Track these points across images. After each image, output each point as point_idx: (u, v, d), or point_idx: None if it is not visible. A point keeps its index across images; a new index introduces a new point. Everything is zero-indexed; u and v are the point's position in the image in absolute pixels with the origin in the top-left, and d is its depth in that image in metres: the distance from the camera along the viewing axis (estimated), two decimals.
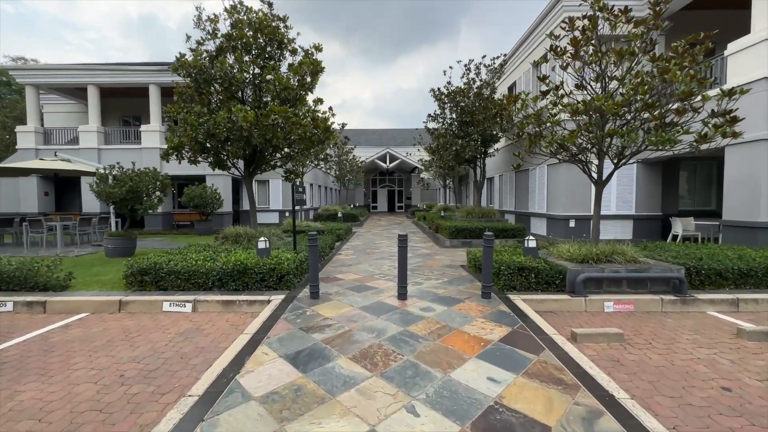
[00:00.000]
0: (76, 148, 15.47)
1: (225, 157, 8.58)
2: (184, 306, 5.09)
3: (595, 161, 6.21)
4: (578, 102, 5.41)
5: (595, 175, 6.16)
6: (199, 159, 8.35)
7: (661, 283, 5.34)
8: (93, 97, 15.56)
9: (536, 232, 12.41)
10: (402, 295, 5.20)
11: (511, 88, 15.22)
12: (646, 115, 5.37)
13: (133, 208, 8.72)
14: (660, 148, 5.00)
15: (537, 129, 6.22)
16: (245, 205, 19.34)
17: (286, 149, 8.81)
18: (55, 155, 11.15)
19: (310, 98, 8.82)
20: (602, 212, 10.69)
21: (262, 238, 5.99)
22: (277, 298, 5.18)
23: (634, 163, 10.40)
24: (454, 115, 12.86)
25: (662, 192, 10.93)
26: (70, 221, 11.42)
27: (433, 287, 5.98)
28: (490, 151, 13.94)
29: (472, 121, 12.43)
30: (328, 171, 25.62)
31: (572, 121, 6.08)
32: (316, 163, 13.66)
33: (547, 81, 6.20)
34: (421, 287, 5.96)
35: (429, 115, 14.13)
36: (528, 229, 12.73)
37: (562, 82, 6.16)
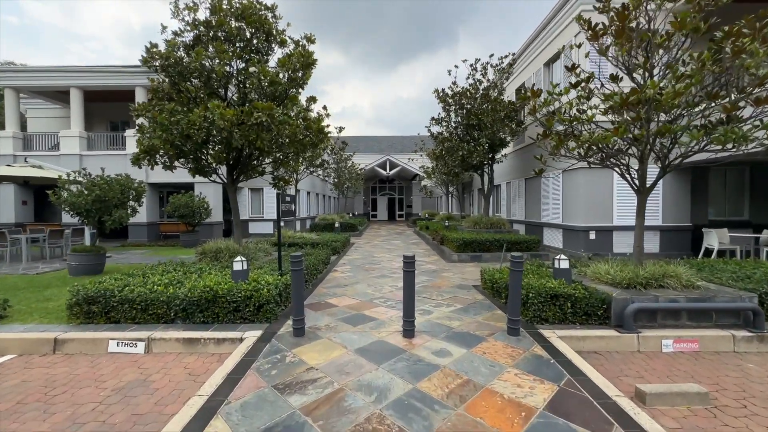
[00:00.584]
0: (56, 155, 14.52)
1: (206, 162, 7.62)
2: (135, 346, 4.05)
3: (636, 165, 5.24)
4: (617, 94, 4.44)
5: (637, 182, 5.19)
6: (177, 164, 7.37)
7: (729, 315, 4.31)
8: (75, 100, 14.66)
9: (550, 244, 11.40)
10: (408, 331, 4.16)
11: (519, 90, 14.35)
12: (700, 108, 4.42)
13: (101, 220, 7.71)
14: (727, 147, 4.02)
15: (566, 126, 5.26)
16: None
17: (275, 153, 7.86)
18: (25, 161, 10.18)
19: (303, 97, 7.91)
20: (623, 223, 9.70)
21: (238, 259, 4.97)
22: (251, 336, 4.14)
23: (688, 167, 9.38)
24: (459, 118, 11.93)
25: (691, 200, 9.94)
26: (40, 233, 10.40)
27: (445, 317, 4.94)
28: (498, 156, 12.99)
29: (479, 124, 11.50)
30: (326, 178, 24.70)
31: (606, 118, 5.14)
32: (312, 169, 12.70)
33: (577, 71, 5.25)
34: (430, 318, 4.92)
35: (432, 119, 13.22)
36: (541, 241, 11.70)
37: (592, 73, 5.22)
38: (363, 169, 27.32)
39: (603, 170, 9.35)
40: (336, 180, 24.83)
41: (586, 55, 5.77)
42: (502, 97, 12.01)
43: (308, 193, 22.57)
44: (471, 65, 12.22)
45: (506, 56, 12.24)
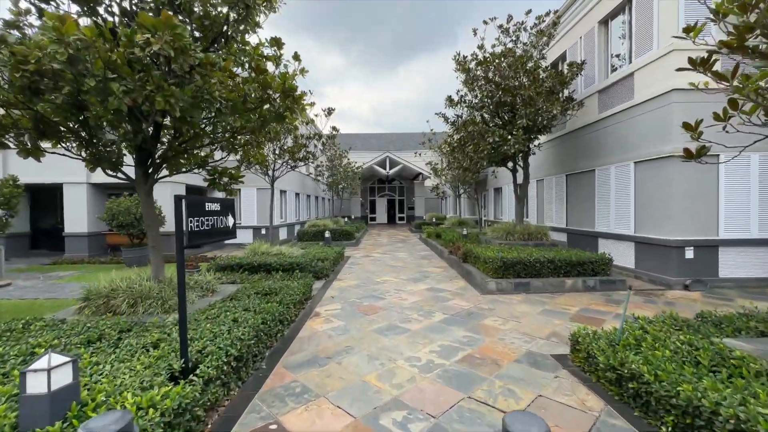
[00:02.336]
0: None
1: (104, 148, 4.62)
2: None
3: None
4: None
5: None
6: (43, 147, 4.35)
7: None
8: None
9: (616, 263, 8.42)
10: None
11: (556, 64, 11.41)
12: None
13: None
14: None
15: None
16: None
17: (217, 130, 4.87)
18: None
19: (257, 39, 4.89)
20: (734, 235, 6.78)
21: (39, 363, 1.97)
22: None
23: None
24: (486, 95, 8.94)
25: None
26: None
27: None
28: (533, 146, 10.06)
29: (512, 102, 8.54)
30: (318, 177, 21.70)
31: None
32: (293, 164, 9.73)
33: None
34: None
35: (448, 99, 10.25)
36: (596, 251, 8.75)
37: None
38: (360, 167, 24.36)
39: (700, 160, 6.46)
40: (330, 179, 21.82)
41: None
42: (544, 65, 9.06)
43: (297, 194, 19.55)
44: (501, 27, 9.27)
45: (547, 13, 9.31)
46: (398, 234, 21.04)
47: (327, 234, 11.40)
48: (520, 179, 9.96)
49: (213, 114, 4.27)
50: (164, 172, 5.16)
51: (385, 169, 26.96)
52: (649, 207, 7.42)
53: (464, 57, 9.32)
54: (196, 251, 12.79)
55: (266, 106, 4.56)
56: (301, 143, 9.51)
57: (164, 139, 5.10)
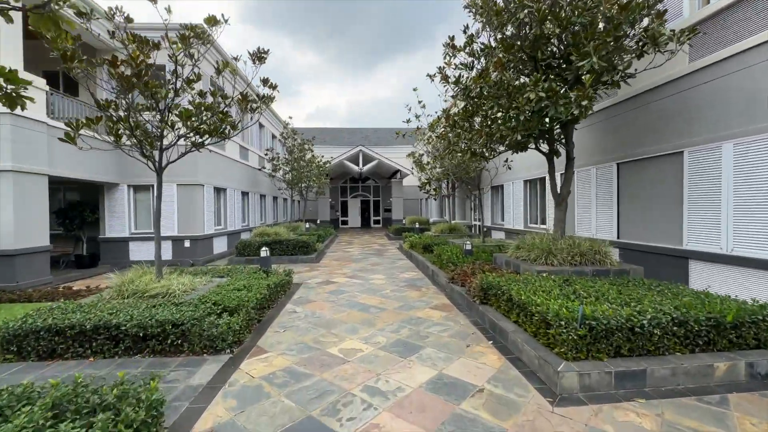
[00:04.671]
0: None
1: None
2: None
3: None
4: None
5: None
6: None
7: None
8: None
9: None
10: None
11: None
12: None
13: None
14: None
15: None
16: (109, 227, 10.94)
17: None
18: None
19: None
20: None
21: None
22: None
23: None
24: (524, 19, 5.32)
25: None
26: None
27: None
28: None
29: (575, 40, 5.06)
30: (274, 174, 17.61)
31: None
32: (195, 137, 5.82)
33: None
34: None
35: (448, 44, 6.60)
36: (685, 281, 5.43)
37: None
38: (328, 162, 20.45)
39: None
40: (288, 175, 17.78)
41: None
42: None
43: (245, 194, 15.38)
44: None
45: None
46: (373, 242, 17.28)
47: (264, 251, 7.44)
48: (559, 168, 6.49)
49: None
50: None
51: (358, 165, 23.18)
52: None
53: None
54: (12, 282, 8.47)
55: None
56: (206, 104, 5.58)
57: None
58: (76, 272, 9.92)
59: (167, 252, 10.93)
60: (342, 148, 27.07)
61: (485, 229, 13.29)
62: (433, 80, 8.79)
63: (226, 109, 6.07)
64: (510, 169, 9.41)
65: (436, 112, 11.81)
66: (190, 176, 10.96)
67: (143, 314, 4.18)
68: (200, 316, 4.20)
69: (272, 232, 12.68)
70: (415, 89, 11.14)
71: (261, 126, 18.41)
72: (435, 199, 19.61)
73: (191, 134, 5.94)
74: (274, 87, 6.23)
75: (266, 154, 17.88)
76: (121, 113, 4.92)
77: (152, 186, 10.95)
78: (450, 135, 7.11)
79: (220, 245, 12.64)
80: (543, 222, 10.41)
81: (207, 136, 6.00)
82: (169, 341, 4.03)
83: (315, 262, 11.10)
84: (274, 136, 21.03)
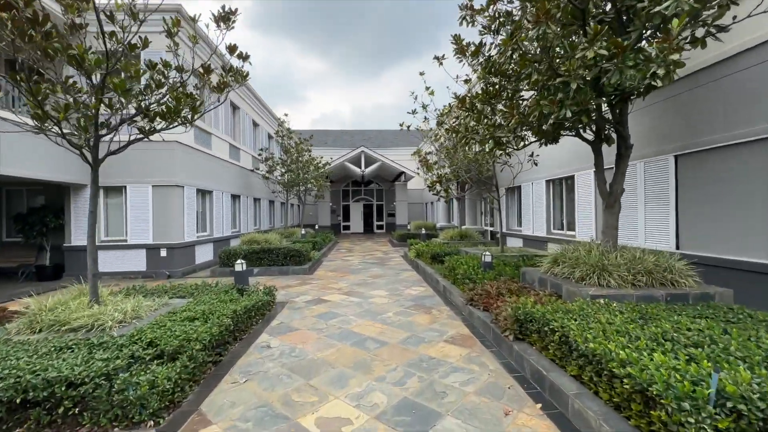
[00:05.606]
0: None
1: None
2: None
3: None
4: None
5: None
6: None
7: None
8: None
9: None
10: None
11: None
12: None
13: None
14: None
15: None
16: (76, 234, 9.65)
17: None
18: None
19: None
20: None
21: None
22: None
23: None
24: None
25: None
26: None
27: None
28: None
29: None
30: (269, 175, 16.33)
31: None
32: (146, 122, 4.49)
33: None
34: None
35: (465, 8, 5.28)
36: None
37: None
38: (328, 163, 19.19)
39: None
40: (282, 177, 16.52)
41: None
42: None
43: (235, 197, 14.11)
44: None
45: None
46: (376, 248, 15.89)
47: (239, 264, 6.07)
48: (606, 161, 5.11)
49: None
50: None
51: (360, 167, 21.87)
52: None
53: None
54: None
55: None
56: (155, 78, 4.29)
57: None
58: (34, 286, 8.64)
59: (140, 263, 9.64)
60: (344, 150, 25.83)
61: (497, 235, 11.88)
62: (441, 64, 7.51)
63: (183, 85, 4.77)
64: (536, 165, 7.99)
65: (443, 107, 10.51)
66: (167, 176, 9.69)
67: (36, 365, 2.86)
68: (114, 369, 2.86)
69: (262, 239, 11.36)
70: (421, 73, 9.76)
71: (255, 124, 17.17)
72: (447, 202, 18.20)
73: (138, 118, 4.64)
74: (245, 58, 4.91)
75: (260, 154, 16.65)
76: (25, 84, 3.61)
77: (125, 187, 9.69)
78: (465, 121, 5.74)
79: (204, 254, 11.33)
80: (570, 228, 8.99)
81: (161, 120, 4.71)
82: (60, 410, 2.69)
83: (308, 274, 9.74)
84: (270, 136, 19.80)
